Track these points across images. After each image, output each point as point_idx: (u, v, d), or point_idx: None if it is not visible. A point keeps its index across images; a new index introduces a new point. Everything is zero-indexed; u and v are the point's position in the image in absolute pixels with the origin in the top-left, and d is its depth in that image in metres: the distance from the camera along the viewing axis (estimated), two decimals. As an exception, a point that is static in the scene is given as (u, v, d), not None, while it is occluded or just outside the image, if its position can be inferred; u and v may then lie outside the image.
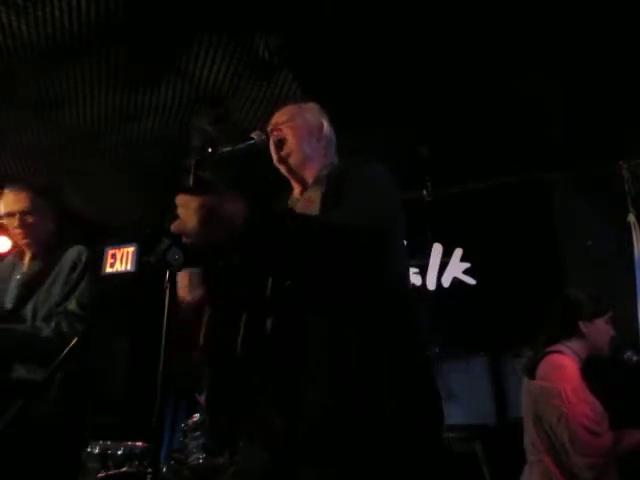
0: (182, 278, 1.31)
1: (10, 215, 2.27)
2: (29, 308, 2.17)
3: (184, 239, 1.00)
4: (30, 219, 2.27)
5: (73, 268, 2.20)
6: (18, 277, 2.28)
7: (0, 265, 2.41)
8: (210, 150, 0.97)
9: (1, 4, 2.53)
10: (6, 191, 2.32)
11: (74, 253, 2.25)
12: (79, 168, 4.04)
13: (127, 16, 2.62)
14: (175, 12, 2.61)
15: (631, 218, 3.56)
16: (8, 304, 2.22)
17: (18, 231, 2.27)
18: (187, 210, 0.98)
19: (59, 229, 2.38)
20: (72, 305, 2.12)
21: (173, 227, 1.00)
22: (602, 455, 1.90)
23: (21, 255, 2.35)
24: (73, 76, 3.10)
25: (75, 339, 1.24)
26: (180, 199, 1.00)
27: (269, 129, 1.49)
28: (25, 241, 2.29)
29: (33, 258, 2.31)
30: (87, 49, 2.85)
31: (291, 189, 1.51)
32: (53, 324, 2.08)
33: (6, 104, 3.33)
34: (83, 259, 2.23)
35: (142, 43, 2.82)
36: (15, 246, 2.41)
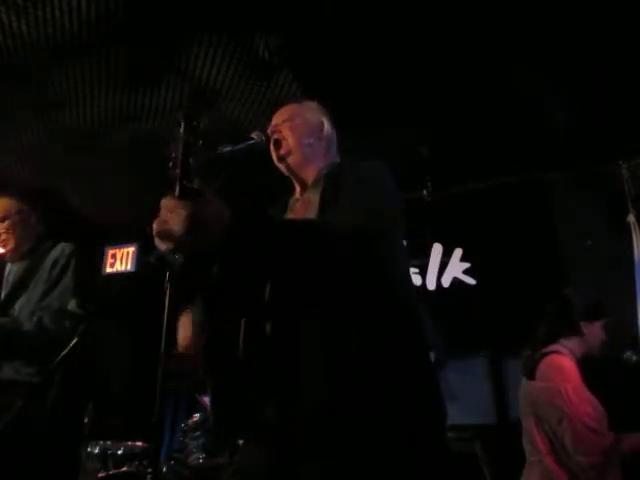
0: (183, 328, 1.31)
1: None
2: (16, 307, 2.22)
3: (162, 243, 1.00)
4: (2, 227, 2.31)
5: (54, 266, 2.23)
6: (9, 279, 2.35)
7: (4, 271, 2.47)
8: (192, 160, 0.97)
9: (1, 4, 2.53)
10: None
11: (57, 251, 2.28)
12: (79, 168, 4.04)
13: (127, 16, 2.62)
14: (175, 12, 2.61)
15: (631, 218, 3.56)
16: None
17: None
18: (170, 213, 0.97)
19: (49, 230, 2.42)
20: (72, 305, 2.12)
21: (155, 227, 0.99)
22: (603, 454, 1.90)
23: (14, 259, 2.40)
24: (73, 76, 3.10)
25: (75, 339, 1.25)
26: (164, 202, 0.99)
27: (269, 130, 1.47)
28: (7, 247, 2.34)
29: (20, 260, 2.36)
30: (87, 49, 2.86)
31: (293, 190, 1.50)
32: (35, 318, 2.10)
33: (6, 104, 3.33)
34: (65, 255, 2.25)
35: (142, 43, 2.83)
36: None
